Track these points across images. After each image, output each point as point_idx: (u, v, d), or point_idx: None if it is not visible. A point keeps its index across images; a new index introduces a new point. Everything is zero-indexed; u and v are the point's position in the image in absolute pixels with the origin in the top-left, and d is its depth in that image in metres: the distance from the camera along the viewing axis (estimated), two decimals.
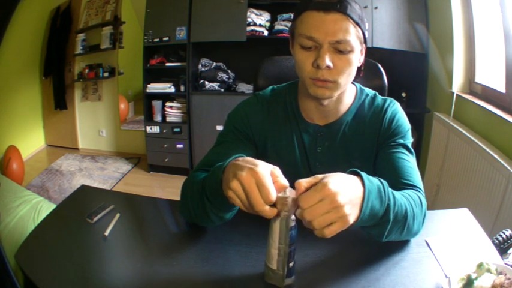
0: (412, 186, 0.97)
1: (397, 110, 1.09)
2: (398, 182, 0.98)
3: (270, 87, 1.17)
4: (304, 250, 0.93)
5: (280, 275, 0.75)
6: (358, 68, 1.05)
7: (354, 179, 0.76)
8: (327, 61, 0.92)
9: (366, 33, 0.99)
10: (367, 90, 1.13)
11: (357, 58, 0.98)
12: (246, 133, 1.10)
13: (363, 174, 0.77)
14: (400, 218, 0.83)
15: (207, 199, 0.87)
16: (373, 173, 1.11)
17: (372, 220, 0.79)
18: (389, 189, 0.82)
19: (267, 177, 0.71)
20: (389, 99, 1.11)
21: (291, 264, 0.74)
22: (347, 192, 0.72)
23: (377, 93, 1.13)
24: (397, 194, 0.85)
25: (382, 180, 0.81)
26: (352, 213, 0.72)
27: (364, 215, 0.75)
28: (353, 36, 0.93)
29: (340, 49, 0.93)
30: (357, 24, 0.94)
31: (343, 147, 1.09)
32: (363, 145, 1.09)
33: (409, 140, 1.07)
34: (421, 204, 0.91)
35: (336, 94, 1.00)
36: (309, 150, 1.11)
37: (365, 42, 1.00)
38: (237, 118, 1.12)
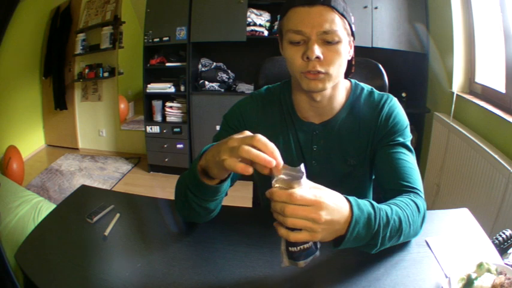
0: (411, 188, 0.96)
1: (394, 106, 1.07)
2: (398, 184, 0.98)
3: (265, 87, 1.17)
4: None
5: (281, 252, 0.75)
6: (349, 63, 1.05)
7: (345, 206, 0.75)
8: (317, 52, 0.92)
9: (353, 26, 1.00)
10: (363, 85, 1.12)
11: (346, 50, 0.98)
12: (239, 132, 1.10)
13: (354, 202, 0.76)
14: (394, 233, 0.83)
15: (189, 191, 0.88)
16: (369, 171, 1.11)
17: (356, 244, 0.79)
18: (383, 211, 0.81)
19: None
20: (386, 95, 1.09)
21: (292, 249, 0.72)
22: (333, 215, 0.72)
23: (374, 89, 1.12)
24: (391, 210, 0.84)
25: (375, 205, 0.80)
26: (322, 235, 0.72)
27: (348, 242, 0.76)
28: (340, 27, 0.94)
29: (328, 40, 0.93)
30: (343, 15, 0.95)
31: (338, 144, 1.09)
32: (359, 142, 1.08)
33: (408, 138, 1.05)
34: (418, 210, 0.90)
35: (329, 86, 0.99)
36: (305, 149, 1.10)
37: (353, 35, 1.01)
38: (232, 118, 1.12)
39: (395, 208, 0.85)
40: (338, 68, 0.97)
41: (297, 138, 1.11)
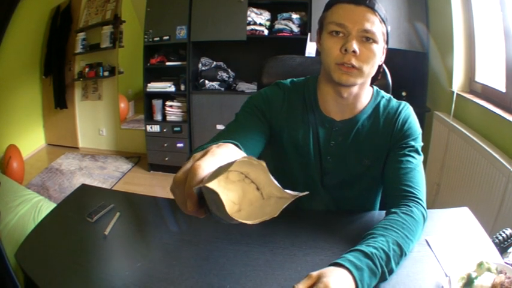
0: (411, 194, 1.00)
1: (410, 113, 1.12)
2: (399, 189, 1.02)
3: (290, 79, 1.20)
4: (305, 250, 0.93)
5: None
6: (378, 69, 1.09)
7: (347, 276, 0.76)
8: (354, 46, 0.97)
9: (389, 35, 1.06)
10: (383, 93, 1.17)
11: (380, 53, 1.03)
12: (263, 112, 1.12)
13: (351, 267, 0.78)
14: (397, 259, 0.85)
15: None
16: (382, 173, 1.13)
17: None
18: (379, 250, 0.82)
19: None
20: (403, 103, 1.14)
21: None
22: None
23: (392, 97, 1.16)
24: (387, 242, 0.85)
25: (370, 252, 0.81)
26: None
27: None
28: (378, 30, 0.99)
29: (366, 39, 0.99)
30: (383, 21, 1.01)
31: (355, 144, 1.12)
32: (376, 145, 1.11)
33: (419, 144, 1.10)
34: (416, 220, 0.94)
35: (359, 82, 1.03)
36: (323, 143, 1.13)
37: (387, 43, 1.06)
38: (258, 98, 1.14)
39: (392, 235, 0.87)
40: (370, 68, 1.01)
41: (316, 132, 1.13)
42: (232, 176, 0.56)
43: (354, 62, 0.98)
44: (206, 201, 0.54)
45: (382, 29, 1.01)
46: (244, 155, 0.63)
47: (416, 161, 1.07)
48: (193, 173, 0.55)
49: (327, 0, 1.05)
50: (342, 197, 1.17)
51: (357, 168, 1.13)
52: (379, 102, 1.14)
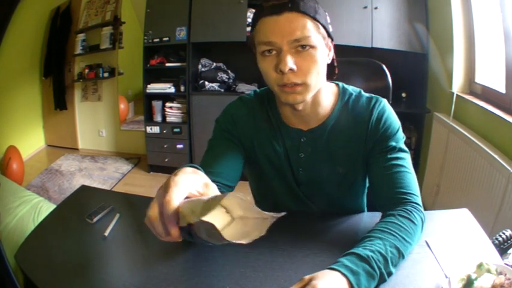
0: (405, 199, 0.94)
1: (383, 109, 1.02)
2: (392, 198, 0.96)
3: (253, 91, 1.14)
4: (305, 251, 0.93)
5: None
6: (332, 66, 1.01)
7: (340, 280, 0.75)
8: (289, 63, 0.87)
9: (330, 27, 0.95)
10: (351, 89, 1.07)
11: (324, 55, 0.93)
12: (232, 133, 1.08)
13: (346, 271, 0.76)
14: (396, 261, 0.83)
15: None
16: (362, 177, 1.09)
17: None
18: (376, 253, 0.80)
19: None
20: (374, 98, 1.04)
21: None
22: None
23: (362, 91, 1.07)
24: (384, 244, 0.83)
25: (367, 255, 0.79)
26: None
27: None
28: (313, 32, 0.89)
29: (302, 48, 0.89)
30: (315, 19, 0.90)
31: (327, 152, 1.05)
32: (349, 149, 1.04)
33: (401, 140, 1.02)
34: (414, 224, 0.90)
35: (309, 96, 0.95)
36: (292, 156, 1.07)
37: (330, 36, 0.95)
38: (224, 121, 1.10)
39: (389, 238, 0.85)
40: (316, 77, 0.92)
41: (284, 145, 1.07)
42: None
43: (294, 80, 0.89)
44: (195, 229, 0.64)
45: (317, 29, 0.90)
46: (204, 176, 0.72)
47: (403, 161, 0.98)
48: (168, 205, 0.64)
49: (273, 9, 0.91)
50: (324, 204, 1.12)
51: (332, 177, 1.07)
52: (347, 102, 1.04)
